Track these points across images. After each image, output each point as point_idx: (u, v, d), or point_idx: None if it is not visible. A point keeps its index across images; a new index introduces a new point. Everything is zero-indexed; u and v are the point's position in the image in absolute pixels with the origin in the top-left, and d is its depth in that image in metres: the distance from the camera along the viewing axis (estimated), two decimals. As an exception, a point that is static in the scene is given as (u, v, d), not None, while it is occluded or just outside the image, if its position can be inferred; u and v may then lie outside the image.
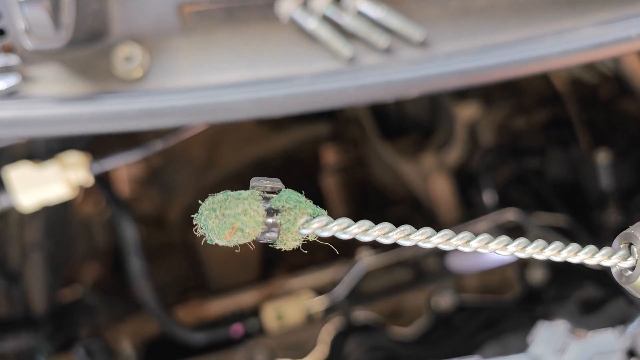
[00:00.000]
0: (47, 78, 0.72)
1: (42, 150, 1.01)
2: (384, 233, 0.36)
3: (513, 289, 1.22)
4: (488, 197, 1.21)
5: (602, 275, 1.03)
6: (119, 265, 1.22)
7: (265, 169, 1.32)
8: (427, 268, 1.23)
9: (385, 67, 0.71)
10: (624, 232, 0.38)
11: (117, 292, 1.30)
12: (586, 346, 0.75)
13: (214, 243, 0.35)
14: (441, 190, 1.28)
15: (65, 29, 0.68)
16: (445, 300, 1.20)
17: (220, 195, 0.35)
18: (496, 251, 0.37)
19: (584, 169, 1.18)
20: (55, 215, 1.21)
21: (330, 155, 1.40)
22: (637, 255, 0.37)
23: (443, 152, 1.28)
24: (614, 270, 0.39)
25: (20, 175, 0.92)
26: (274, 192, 0.36)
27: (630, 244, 0.38)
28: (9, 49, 0.71)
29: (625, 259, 0.37)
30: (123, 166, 1.30)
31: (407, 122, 1.37)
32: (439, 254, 1.19)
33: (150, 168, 1.35)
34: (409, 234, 0.36)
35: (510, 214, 1.13)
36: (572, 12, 0.73)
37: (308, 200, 0.36)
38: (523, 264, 1.21)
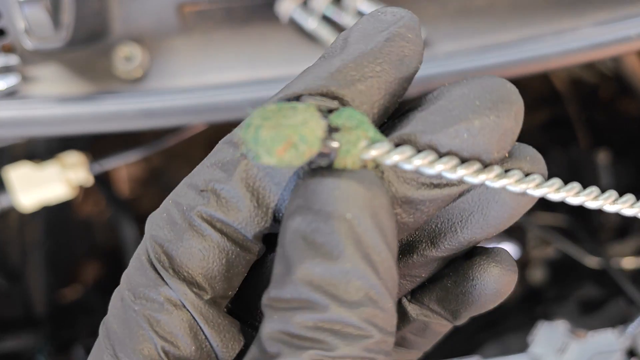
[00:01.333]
0: (47, 78, 0.72)
1: (42, 150, 1.01)
2: (451, 167, 0.31)
3: (513, 289, 1.22)
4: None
5: (602, 275, 1.03)
6: (119, 265, 1.22)
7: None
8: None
9: (385, 67, 0.71)
10: None
11: (117, 292, 1.30)
12: (586, 346, 0.75)
13: (261, 162, 0.29)
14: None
15: (65, 29, 0.68)
16: (445, 300, 1.20)
17: (272, 105, 0.30)
18: (566, 199, 0.34)
19: (584, 168, 1.18)
20: (55, 215, 1.21)
21: (330, 155, 1.40)
22: None
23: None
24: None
25: (20, 175, 0.92)
26: (330, 111, 0.31)
27: None
28: (9, 49, 0.71)
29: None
30: (123, 166, 1.30)
31: (407, 122, 1.37)
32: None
33: (150, 168, 1.35)
34: (478, 171, 0.32)
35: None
36: (572, 12, 0.73)
37: (371, 123, 0.31)
38: (523, 264, 1.21)
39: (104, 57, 0.73)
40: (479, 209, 0.36)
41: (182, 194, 0.35)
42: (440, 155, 0.31)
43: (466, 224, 0.36)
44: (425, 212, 0.33)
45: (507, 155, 0.34)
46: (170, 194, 0.35)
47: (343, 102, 0.32)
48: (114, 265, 1.31)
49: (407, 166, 0.31)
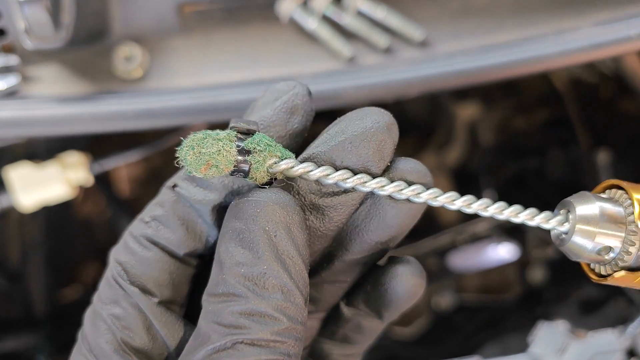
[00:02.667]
0: (47, 78, 0.72)
1: (42, 150, 1.01)
2: (343, 178, 0.41)
3: (513, 289, 1.22)
4: (488, 197, 1.21)
5: (602, 275, 1.03)
6: (119, 265, 1.21)
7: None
8: (427, 268, 1.23)
9: (385, 67, 0.71)
10: (564, 199, 0.44)
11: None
12: (586, 346, 0.75)
13: (192, 175, 0.40)
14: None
15: (65, 29, 0.68)
16: (445, 300, 1.20)
17: (199, 134, 0.40)
18: (445, 205, 0.43)
19: (584, 169, 1.18)
20: (55, 215, 1.21)
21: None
22: (571, 221, 0.42)
23: (443, 152, 1.28)
24: (552, 234, 0.44)
25: (20, 175, 0.92)
26: (249, 134, 0.40)
27: (568, 211, 0.43)
28: (9, 49, 0.71)
29: (562, 223, 0.43)
30: (123, 166, 1.30)
31: (407, 122, 1.37)
32: (440, 254, 1.19)
33: (150, 168, 1.35)
34: (365, 182, 0.41)
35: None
36: (572, 12, 0.73)
37: (278, 144, 0.41)
38: (523, 264, 1.21)
39: (104, 57, 0.73)
40: (377, 213, 0.44)
41: (135, 226, 0.45)
42: (337, 168, 0.42)
43: (369, 227, 0.45)
44: (333, 218, 0.43)
45: (389, 165, 0.44)
46: (127, 228, 0.46)
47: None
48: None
49: (308, 177, 0.41)
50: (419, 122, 1.36)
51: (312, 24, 0.72)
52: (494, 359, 0.76)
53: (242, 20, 0.74)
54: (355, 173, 0.42)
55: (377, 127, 0.42)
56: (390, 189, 0.42)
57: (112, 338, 0.42)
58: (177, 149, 0.41)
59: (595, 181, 1.14)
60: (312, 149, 0.43)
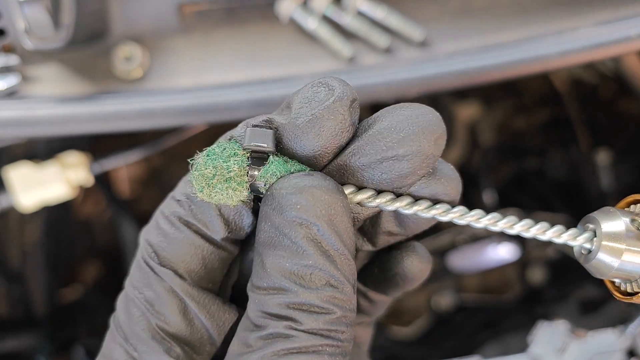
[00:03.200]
0: (47, 78, 0.72)
1: (42, 150, 1.01)
2: (367, 197, 0.40)
3: (513, 289, 1.22)
4: (488, 197, 1.21)
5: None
6: (119, 265, 1.22)
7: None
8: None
9: (385, 67, 0.71)
10: (587, 215, 0.42)
11: (117, 292, 1.30)
12: (586, 346, 0.75)
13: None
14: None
15: (65, 29, 0.68)
16: (445, 300, 1.20)
17: (209, 170, 0.38)
18: (470, 223, 0.41)
19: (584, 169, 1.18)
20: (55, 215, 1.21)
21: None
22: (596, 238, 0.41)
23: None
24: (575, 250, 0.43)
25: (20, 175, 0.92)
26: (263, 153, 0.39)
27: (591, 227, 0.42)
28: (9, 49, 0.71)
29: (587, 241, 0.41)
30: (123, 166, 1.30)
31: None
32: (440, 254, 1.19)
33: (150, 168, 1.35)
34: (373, 197, 0.40)
35: (510, 214, 1.13)
36: (572, 12, 0.73)
37: (295, 163, 0.39)
38: (523, 264, 1.21)
39: (104, 57, 0.73)
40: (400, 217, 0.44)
41: (167, 204, 0.43)
42: (359, 188, 0.40)
43: (390, 227, 0.45)
44: (359, 216, 0.42)
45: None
46: (159, 206, 0.43)
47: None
48: (114, 265, 1.31)
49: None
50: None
51: (312, 24, 0.72)
52: (494, 359, 0.76)
53: (242, 20, 0.74)
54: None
55: (425, 141, 0.39)
56: (417, 208, 0.41)
57: (147, 324, 0.40)
58: (190, 161, 0.40)
59: (596, 181, 1.14)
60: (344, 157, 0.40)
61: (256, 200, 0.41)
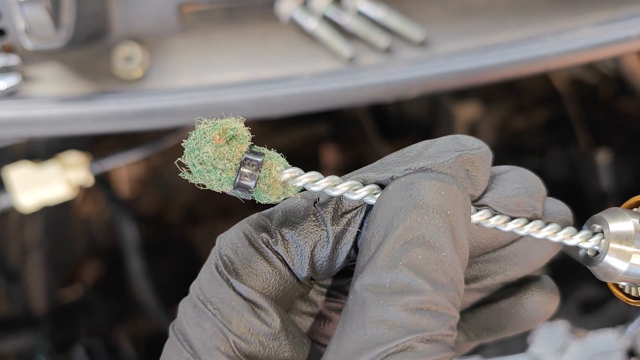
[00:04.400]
0: (47, 78, 0.72)
1: (42, 150, 1.01)
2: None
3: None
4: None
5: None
6: (119, 265, 1.22)
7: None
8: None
9: (385, 67, 0.71)
10: (594, 216, 0.41)
11: (117, 292, 1.30)
12: (586, 346, 0.75)
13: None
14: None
15: (65, 29, 0.68)
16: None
17: (208, 127, 0.38)
18: (480, 223, 0.39)
19: (584, 168, 1.18)
20: (55, 215, 1.21)
21: (330, 155, 1.40)
22: (604, 240, 0.39)
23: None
24: (580, 252, 0.41)
25: (20, 175, 0.92)
26: (256, 153, 0.38)
27: (597, 228, 0.40)
28: (9, 49, 0.71)
29: (596, 243, 0.39)
30: (123, 166, 1.30)
31: (407, 122, 1.37)
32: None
33: (150, 168, 1.35)
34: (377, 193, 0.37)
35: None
36: (572, 12, 0.73)
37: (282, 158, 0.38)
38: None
39: (104, 57, 0.73)
40: (523, 251, 0.41)
41: (257, 223, 0.40)
42: (364, 183, 0.38)
43: (512, 263, 0.42)
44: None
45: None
46: (243, 220, 0.41)
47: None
48: (114, 265, 1.31)
49: (318, 187, 0.37)
50: (419, 122, 1.36)
51: (312, 24, 0.72)
52: (494, 359, 0.76)
53: (242, 20, 0.74)
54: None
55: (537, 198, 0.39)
56: (546, 232, 0.39)
57: (223, 342, 0.37)
58: (183, 143, 0.39)
59: (595, 181, 1.14)
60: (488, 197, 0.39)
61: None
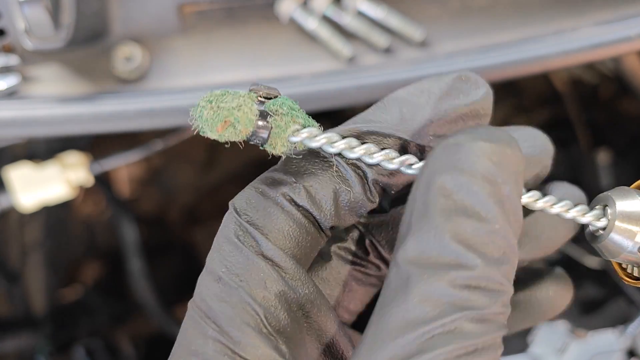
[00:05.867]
0: (47, 78, 0.72)
1: (42, 150, 1.01)
2: (369, 153, 0.36)
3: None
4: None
5: (602, 275, 1.03)
6: (119, 265, 1.22)
7: (265, 169, 1.31)
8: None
9: (385, 67, 0.71)
10: (601, 194, 0.40)
11: (117, 292, 1.30)
12: (586, 346, 0.75)
13: (206, 136, 0.35)
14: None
15: (65, 29, 0.68)
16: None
17: (218, 91, 0.35)
18: None
19: (584, 169, 1.18)
20: (55, 215, 1.21)
21: (330, 155, 1.40)
22: (609, 217, 0.38)
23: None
24: (586, 230, 0.40)
25: (20, 175, 0.92)
26: (269, 98, 0.36)
27: (605, 206, 0.39)
28: (9, 49, 0.71)
29: (599, 219, 0.39)
30: (123, 166, 1.30)
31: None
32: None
33: (150, 168, 1.35)
34: (404, 160, 0.36)
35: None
36: (572, 12, 0.73)
37: (302, 110, 0.36)
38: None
39: (104, 57, 0.73)
40: (535, 232, 0.41)
41: (275, 178, 0.38)
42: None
43: (521, 243, 0.40)
44: None
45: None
46: (261, 176, 0.39)
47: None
48: (114, 265, 1.31)
49: (331, 149, 0.36)
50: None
51: (312, 24, 0.72)
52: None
53: (242, 20, 0.74)
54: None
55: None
56: (559, 208, 0.38)
57: (252, 317, 0.34)
58: (191, 108, 0.36)
59: (596, 181, 1.14)
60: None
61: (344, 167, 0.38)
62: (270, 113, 0.35)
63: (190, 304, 0.37)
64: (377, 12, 0.73)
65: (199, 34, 0.74)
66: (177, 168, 1.34)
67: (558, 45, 0.70)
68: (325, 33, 0.72)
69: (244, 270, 0.35)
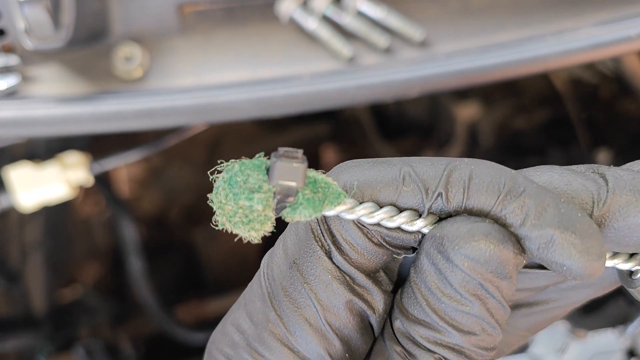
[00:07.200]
0: (47, 78, 0.72)
1: (42, 150, 1.01)
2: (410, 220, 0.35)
3: (513, 289, 1.22)
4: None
5: (602, 275, 1.03)
6: (119, 265, 1.22)
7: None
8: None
9: (385, 67, 0.71)
10: None
11: (117, 292, 1.30)
12: (586, 346, 0.75)
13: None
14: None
15: (65, 29, 0.68)
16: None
17: (230, 206, 0.34)
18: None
19: (584, 169, 1.18)
20: (55, 215, 1.21)
21: (330, 155, 1.40)
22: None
23: (443, 152, 1.28)
24: (619, 273, 0.38)
25: (20, 175, 0.92)
26: (289, 194, 0.34)
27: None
28: (9, 49, 0.71)
29: (633, 265, 0.36)
30: (123, 166, 1.30)
31: (407, 122, 1.37)
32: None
33: (150, 168, 1.35)
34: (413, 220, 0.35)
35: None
36: (572, 12, 0.73)
37: (331, 187, 0.35)
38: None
39: (104, 57, 0.73)
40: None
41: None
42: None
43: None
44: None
45: None
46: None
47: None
48: (114, 265, 1.31)
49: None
50: (419, 122, 1.36)
51: (312, 24, 0.72)
52: (495, 359, 0.76)
53: (242, 20, 0.74)
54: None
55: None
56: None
57: (315, 318, 0.36)
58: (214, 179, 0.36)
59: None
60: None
61: None
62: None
63: (264, 272, 0.38)
64: (377, 12, 0.73)
65: (199, 34, 0.74)
66: (177, 168, 1.34)
67: (558, 45, 0.70)
68: (325, 33, 0.72)
69: (312, 268, 0.36)
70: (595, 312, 1.00)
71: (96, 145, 1.09)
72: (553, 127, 1.29)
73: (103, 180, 1.15)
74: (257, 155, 0.35)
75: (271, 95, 0.71)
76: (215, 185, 0.35)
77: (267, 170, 0.34)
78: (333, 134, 1.41)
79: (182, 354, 1.15)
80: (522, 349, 0.77)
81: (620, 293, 0.99)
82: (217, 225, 0.35)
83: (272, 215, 0.34)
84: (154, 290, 1.16)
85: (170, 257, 1.36)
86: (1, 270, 1.14)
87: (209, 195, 0.35)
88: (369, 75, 0.71)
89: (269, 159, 0.34)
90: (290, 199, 0.34)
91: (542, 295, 0.41)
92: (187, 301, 1.29)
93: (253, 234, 0.34)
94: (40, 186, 0.92)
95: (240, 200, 0.34)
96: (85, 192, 1.27)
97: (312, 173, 0.35)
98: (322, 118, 1.39)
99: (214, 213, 0.35)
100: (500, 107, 1.30)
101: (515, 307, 0.43)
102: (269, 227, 0.34)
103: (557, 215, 0.32)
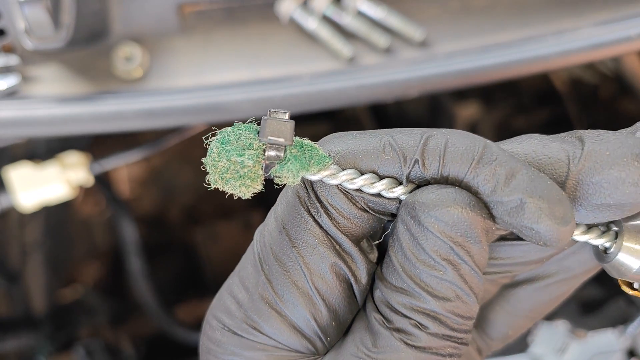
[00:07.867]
0: (47, 78, 0.72)
1: (42, 150, 1.01)
2: (389, 188, 0.36)
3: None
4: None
5: (602, 275, 1.03)
6: (119, 265, 1.22)
7: (265, 169, 1.31)
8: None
9: (385, 67, 0.71)
10: None
11: (117, 292, 1.30)
12: (586, 346, 0.75)
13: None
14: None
15: (66, 29, 0.68)
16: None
17: (223, 163, 0.36)
18: None
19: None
20: (55, 215, 1.21)
21: (330, 155, 1.40)
22: (618, 237, 0.38)
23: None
24: (593, 249, 0.40)
25: (20, 175, 0.92)
26: (279, 150, 0.36)
27: (612, 225, 0.39)
28: (9, 49, 0.71)
29: (612, 240, 0.38)
30: (123, 166, 1.30)
31: (407, 122, 1.37)
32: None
33: (150, 168, 1.35)
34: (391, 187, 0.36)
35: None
36: (572, 12, 0.73)
37: (315, 151, 0.37)
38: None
39: (104, 57, 0.73)
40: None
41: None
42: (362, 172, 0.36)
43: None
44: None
45: None
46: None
47: None
48: (114, 265, 1.31)
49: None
50: (419, 122, 1.36)
51: (312, 24, 0.72)
52: (494, 359, 0.76)
53: (242, 20, 0.74)
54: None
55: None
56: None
57: (303, 282, 0.37)
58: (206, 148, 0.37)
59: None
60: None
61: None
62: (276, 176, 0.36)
63: (259, 240, 0.39)
64: (377, 12, 0.73)
65: (199, 34, 0.74)
66: (177, 168, 1.34)
67: (558, 45, 0.70)
68: (325, 33, 0.72)
69: (300, 234, 0.37)
70: (595, 312, 1.00)
71: (96, 145, 1.09)
72: (553, 127, 1.29)
73: (103, 180, 1.15)
74: (248, 120, 0.37)
75: (271, 95, 0.71)
76: (209, 147, 0.37)
77: (258, 132, 0.36)
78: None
79: (182, 354, 1.15)
80: (522, 349, 0.77)
81: (620, 293, 0.99)
82: (209, 185, 0.37)
83: (262, 173, 0.36)
84: (154, 290, 1.16)
85: (170, 257, 1.36)
86: (1, 270, 1.14)
87: (203, 159, 0.37)
88: (369, 75, 0.71)
89: (259, 124, 0.36)
90: (280, 156, 0.36)
91: (541, 271, 0.42)
92: (187, 301, 1.29)
93: (243, 190, 0.36)
94: (40, 186, 0.92)
95: (232, 157, 0.36)
96: (85, 192, 1.27)
97: (300, 139, 0.37)
98: (322, 118, 1.39)
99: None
100: (500, 107, 1.30)
101: (517, 284, 0.44)
102: (258, 185, 0.36)
103: (526, 181, 0.33)
